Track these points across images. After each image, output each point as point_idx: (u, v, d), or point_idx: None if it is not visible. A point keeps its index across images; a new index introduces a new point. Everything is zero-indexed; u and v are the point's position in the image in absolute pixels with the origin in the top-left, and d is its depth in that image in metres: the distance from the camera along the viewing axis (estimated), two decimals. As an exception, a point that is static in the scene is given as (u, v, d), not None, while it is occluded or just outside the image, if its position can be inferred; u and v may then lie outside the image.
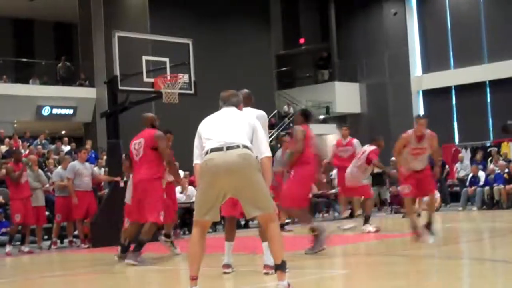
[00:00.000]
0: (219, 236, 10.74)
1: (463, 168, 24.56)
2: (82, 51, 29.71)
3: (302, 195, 10.11)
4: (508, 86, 29.09)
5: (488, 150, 25.47)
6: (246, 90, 8.44)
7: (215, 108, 6.86)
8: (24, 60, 30.88)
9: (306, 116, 10.58)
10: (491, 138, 29.22)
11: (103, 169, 18.96)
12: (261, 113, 8.13)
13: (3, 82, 26.76)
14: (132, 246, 10.29)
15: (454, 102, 31.46)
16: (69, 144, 23.68)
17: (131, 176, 11.06)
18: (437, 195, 22.46)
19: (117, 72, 15.22)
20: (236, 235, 8.24)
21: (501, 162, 22.40)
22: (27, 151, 20.29)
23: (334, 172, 21.37)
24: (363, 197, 15.30)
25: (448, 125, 30.99)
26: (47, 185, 15.98)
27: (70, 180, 15.03)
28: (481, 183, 22.31)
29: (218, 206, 6.29)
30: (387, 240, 12.60)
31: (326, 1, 34.17)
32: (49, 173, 17.54)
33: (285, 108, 32.02)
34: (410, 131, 11.70)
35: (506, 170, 21.76)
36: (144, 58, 15.87)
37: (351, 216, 16.16)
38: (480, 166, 23.32)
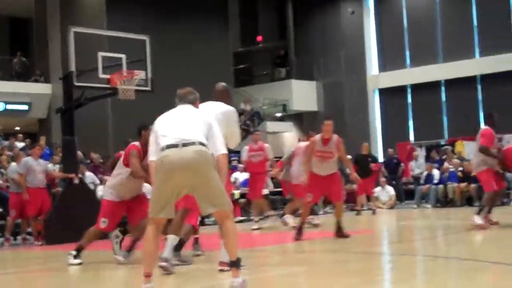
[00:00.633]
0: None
1: (418, 166, 24.79)
2: (38, 46, 29.38)
3: None
4: (462, 85, 29.49)
5: (443, 148, 25.75)
6: (222, 84, 8.38)
7: (171, 105, 6.83)
8: (-22, 55, 30.46)
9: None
10: (446, 136, 29.56)
11: (57, 166, 18.76)
12: (230, 108, 8.06)
13: (-43, 77, 26.36)
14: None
15: (409, 100, 31.76)
16: (23, 140, 23.37)
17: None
18: (392, 192, 22.70)
19: (72, 68, 15.08)
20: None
21: (455, 160, 22.64)
22: (-20, 148, 19.98)
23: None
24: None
25: (404, 124, 31.31)
26: (0, 182, 15.79)
27: (23, 175, 14.84)
28: (436, 181, 22.54)
29: (173, 203, 6.27)
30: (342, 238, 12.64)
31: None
32: (2, 170, 17.31)
33: (242, 105, 31.99)
34: (318, 135, 11.63)
35: (460, 168, 22.01)
36: (100, 54, 15.72)
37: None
38: (435, 164, 23.56)
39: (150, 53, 16.23)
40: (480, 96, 29.62)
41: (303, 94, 33.06)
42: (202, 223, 17.74)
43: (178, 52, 28.64)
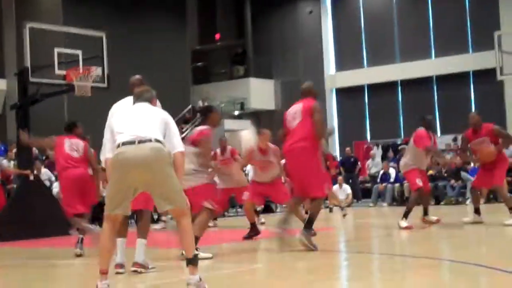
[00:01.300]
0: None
1: (374, 165, 24.99)
2: (-8, 41, 28.94)
3: None
4: (419, 86, 29.80)
5: (399, 147, 25.98)
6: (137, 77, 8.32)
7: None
8: None
9: None
10: (402, 136, 29.83)
11: (12, 162, 18.53)
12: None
13: None
14: None
15: (366, 100, 31.99)
16: (-23, 136, 23.06)
17: None
18: (349, 191, 22.83)
19: (28, 64, 14.91)
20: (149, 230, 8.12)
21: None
22: None
23: None
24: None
25: (361, 123, 31.53)
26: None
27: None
28: (392, 179, 22.75)
29: (130, 200, 6.23)
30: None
31: (242, -3, 34.26)
32: (-45, 166, 17.05)
33: (200, 103, 31.91)
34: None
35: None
36: (56, 50, 15.57)
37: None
38: (391, 163, 23.76)
39: (106, 49, 16.12)
40: (435, 97, 29.97)
41: (261, 93, 33.10)
42: (158, 220, 17.74)
43: (135, 49, 28.47)
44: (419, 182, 12.20)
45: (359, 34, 32.18)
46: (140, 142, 6.14)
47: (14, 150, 18.67)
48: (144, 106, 6.65)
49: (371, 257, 8.95)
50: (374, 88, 31.39)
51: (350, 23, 32.47)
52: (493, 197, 20.04)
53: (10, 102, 22.60)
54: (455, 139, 24.72)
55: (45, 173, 18.38)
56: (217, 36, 35.63)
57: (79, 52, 15.90)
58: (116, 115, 6.64)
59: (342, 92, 32.64)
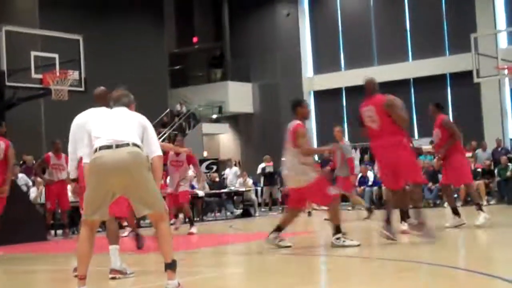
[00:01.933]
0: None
1: (352, 168, 24.95)
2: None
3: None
4: (396, 88, 29.77)
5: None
6: (101, 88, 8.34)
7: (108, 99, 6.75)
8: None
9: None
10: (380, 138, 29.89)
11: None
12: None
13: None
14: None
15: (344, 103, 32.07)
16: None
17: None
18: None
19: (4, 67, 14.80)
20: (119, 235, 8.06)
21: (389, 162, 22.90)
22: None
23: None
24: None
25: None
26: None
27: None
28: (370, 183, 22.78)
29: (107, 204, 6.19)
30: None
31: (219, 0, 34.23)
32: None
33: (178, 107, 31.88)
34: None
35: (394, 170, 22.26)
36: (33, 53, 15.50)
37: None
38: (369, 166, 23.80)
39: (83, 53, 16.05)
40: (413, 99, 30.09)
41: (239, 96, 33.11)
42: (137, 225, 17.63)
43: (113, 52, 28.38)
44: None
45: (337, 37, 32.31)
46: (117, 146, 6.11)
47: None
48: (121, 110, 6.62)
49: (350, 260, 8.94)
50: (352, 91, 31.45)
51: (328, 26, 32.57)
52: (470, 200, 20.13)
53: (-14, 106, 22.42)
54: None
55: (22, 178, 18.21)
56: (195, 39, 35.62)
57: (56, 56, 15.83)
58: (94, 120, 6.60)
59: (320, 95, 32.70)
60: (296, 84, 32.59)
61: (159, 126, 28.42)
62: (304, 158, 9.60)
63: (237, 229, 16.12)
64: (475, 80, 24.00)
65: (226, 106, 32.67)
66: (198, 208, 20.72)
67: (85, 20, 26.79)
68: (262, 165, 24.21)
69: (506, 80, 26.42)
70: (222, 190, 22.25)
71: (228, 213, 21.78)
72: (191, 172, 21.57)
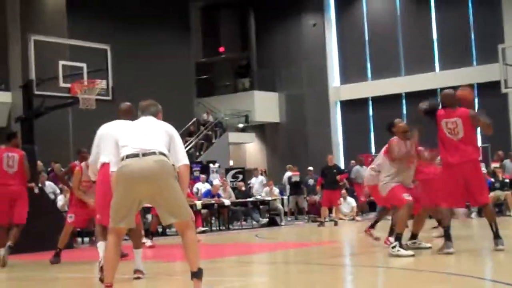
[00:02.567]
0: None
1: (379, 178, 24.84)
2: (-2, 54, 28.99)
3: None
4: (423, 98, 29.52)
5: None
6: (127, 103, 8.50)
7: (133, 114, 6.80)
8: None
9: None
10: (406, 149, 29.75)
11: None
12: None
13: None
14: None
15: (371, 113, 31.98)
16: (-18, 149, 23.00)
17: None
18: (353, 204, 22.75)
19: (33, 76, 14.93)
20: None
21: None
22: None
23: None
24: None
25: (365, 136, 31.50)
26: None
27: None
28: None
29: (134, 213, 6.23)
30: (304, 249, 12.67)
31: (246, 10, 34.33)
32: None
33: (204, 116, 31.96)
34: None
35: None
36: (61, 63, 15.60)
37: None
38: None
39: (111, 62, 16.14)
40: (440, 109, 29.89)
41: (265, 105, 33.11)
42: (163, 234, 17.73)
43: (140, 61, 28.54)
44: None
45: (363, 47, 32.25)
46: (144, 154, 6.15)
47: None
48: (149, 119, 6.66)
49: (375, 270, 8.91)
50: (378, 101, 31.40)
51: (354, 36, 32.52)
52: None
53: (15, 114, 22.63)
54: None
55: (49, 186, 18.36)
56: (221, 48, 35.70)
57: (83, 65, 15.92)
58: (122, 129, 6.68)
59: (347, 105, 32.63)
60: (322, 94, 32.55)
61: (185, 135, 28.51)
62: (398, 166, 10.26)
63: (263, 238, 16.11)
64: (503, 90, 23.85)
65: (252, 116, 32.69)
66: (224, 217, 20.75)
67: (112, 30, 26.95)
68: (288, 174, 24.21)
69: (534, 90, 26.21)
70: (248, 199, 22.25)
71: (254, 222, 21.77)
72: (217, 181, 21.71)
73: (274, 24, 33.72)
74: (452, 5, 29.83)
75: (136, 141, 6.28)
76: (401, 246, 9.54)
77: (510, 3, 28.50)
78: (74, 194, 11.41)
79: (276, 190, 23.49)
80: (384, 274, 8.59)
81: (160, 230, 17.85)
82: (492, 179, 20.60)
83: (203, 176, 22.18)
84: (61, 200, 17.13)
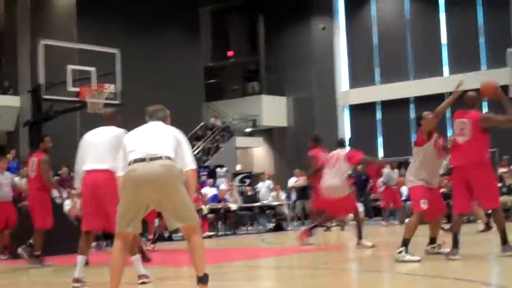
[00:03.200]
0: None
1: (386, 183, 24.81)
2: (7, 58, 29.08)
3: None
4: (432, 103, 29.58)
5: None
6: (111, 109, 8.75)
7: (141, 118, 6.82)
8: None
9: None
10: (414, 153, 29.73)
11: (24, 179, 18.53)
12: (120, 131, 8.40)
13: None
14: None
15: (379, 117, 31.96)
16: (-10, 153, 23.09)
17: None
18: (361, 209, 22.69)
19: (41, 80, 15.00)
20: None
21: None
22: None
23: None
24: None
25: (373, 140, 31.49)
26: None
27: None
28: (404, 197, 22.63)
29: (141, 217, 6.24)
30: (310, 253, 12.65)
31: (255, 14, 34.37)
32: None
33: (212, 120, 31.99)
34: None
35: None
36: (70, 67, 15.67)
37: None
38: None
39: (120, 66, 16.19)
40: (448, 113, 29.84)
41: (273, 110, 33.12)
42: (170, 238, 17.74)
43: (149, 66, 28.60)
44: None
45: (372, 51, 32.24)
46: (151, 159, 6.16)
47: (26, 168, 18.67)
48: (156, 124, 6.67)
49: (381, 276, 8.90)
50: (387, 105, 31.38)
51: (363, 40, 32.52)
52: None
53: (23, 119, 22.73)
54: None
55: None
56: (230, 53, 35.75)
57: (92, 69, 15.98)
58: (129, 134, 6.70)
59: (355, 109, 32.63)
60: (331, 98, 32.56)
61: (193, 139, 28.53)
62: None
63: (269, 243, 16.12)
64: (511, 95, 23.83)
65: (260, 120, 32.71)
66: (230, 222, 20.76)
67: (121, 34, 27.03)
68: (293, 179, 24.12)
69: (543, 95, 26.15)
70: (255, 204, 22.25)
71: (261, 227, 21.77)
72: (223, 186, 21.71)
73: (283, 28, 33.74)
74: (461, 9, 29.82)
75: (143, 146, 6.30)
76: (407, 251, 9.51)
77: (519, 8, 28.48)
78: None
79: (283, 195, 23.48)
80: (390, 279, 8.58)
81: (166, 235, 17.88)
82: (500, 184, 20.55)
83: (210, 181, 22.19)
84: (68, 205, 17.15)
